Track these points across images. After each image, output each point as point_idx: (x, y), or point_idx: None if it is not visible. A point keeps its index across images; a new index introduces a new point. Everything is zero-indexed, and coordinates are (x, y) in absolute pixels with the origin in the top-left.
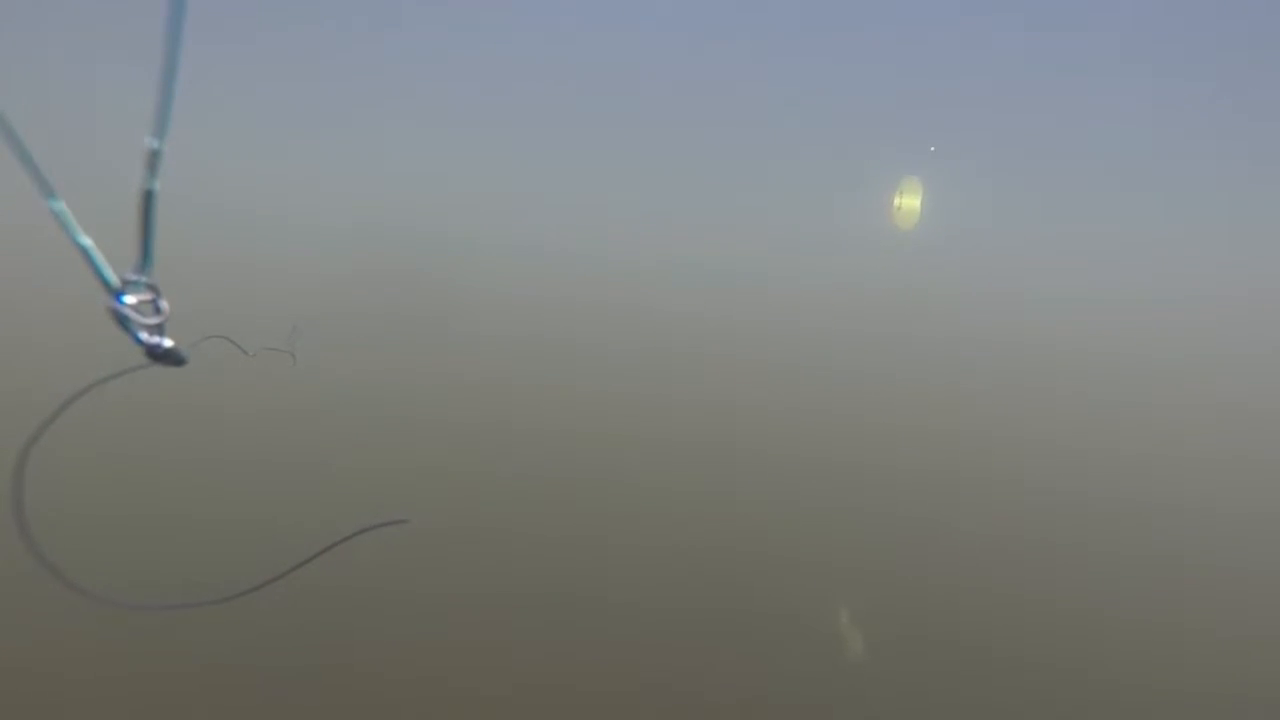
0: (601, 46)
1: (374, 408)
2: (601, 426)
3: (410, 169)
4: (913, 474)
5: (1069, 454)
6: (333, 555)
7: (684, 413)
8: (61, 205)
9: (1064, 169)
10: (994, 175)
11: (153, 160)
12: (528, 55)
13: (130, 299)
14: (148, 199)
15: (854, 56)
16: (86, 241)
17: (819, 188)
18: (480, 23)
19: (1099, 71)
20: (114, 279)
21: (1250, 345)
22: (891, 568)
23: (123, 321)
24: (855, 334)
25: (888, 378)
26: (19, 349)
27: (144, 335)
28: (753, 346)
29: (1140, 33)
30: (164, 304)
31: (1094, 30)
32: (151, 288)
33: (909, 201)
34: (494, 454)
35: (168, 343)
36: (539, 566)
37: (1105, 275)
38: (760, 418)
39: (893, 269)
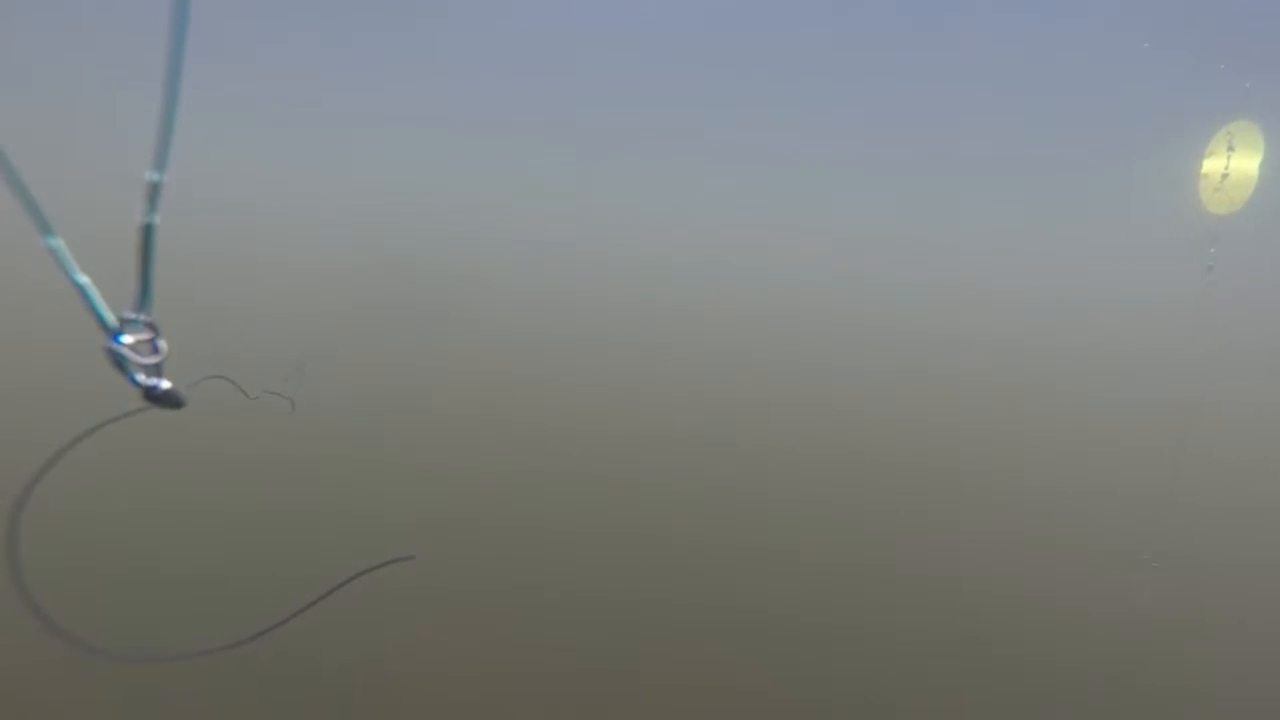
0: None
1: (381, 418)
2: (632, 427)
3: (414, 169)
4: (923, 471)
5: (1072, 452)
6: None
7: (702, 412)
8: (59, 242)
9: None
10: (992, 172)
11: (152, 194)
12: (553, 48)
13: (128, 338)
14: (147, 234)
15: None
16: (84, 279)
17: (814, 184)
18: (484, 18)
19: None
20: (111, 318)
21: (1251, 344)
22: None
23: (119, 362)
24: (862, 332)
25: (897, 376)
26: (12, 391)
27: (141, 377)
28: (765, 346)
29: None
30: (162, 343)
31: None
32: (150, 326)
33: (1242, 164)
34: (502, 456)
35: (165, 384)
36: (557, 567)
37: (1106, 273)
38: (764, 415)
39: (899, 266)
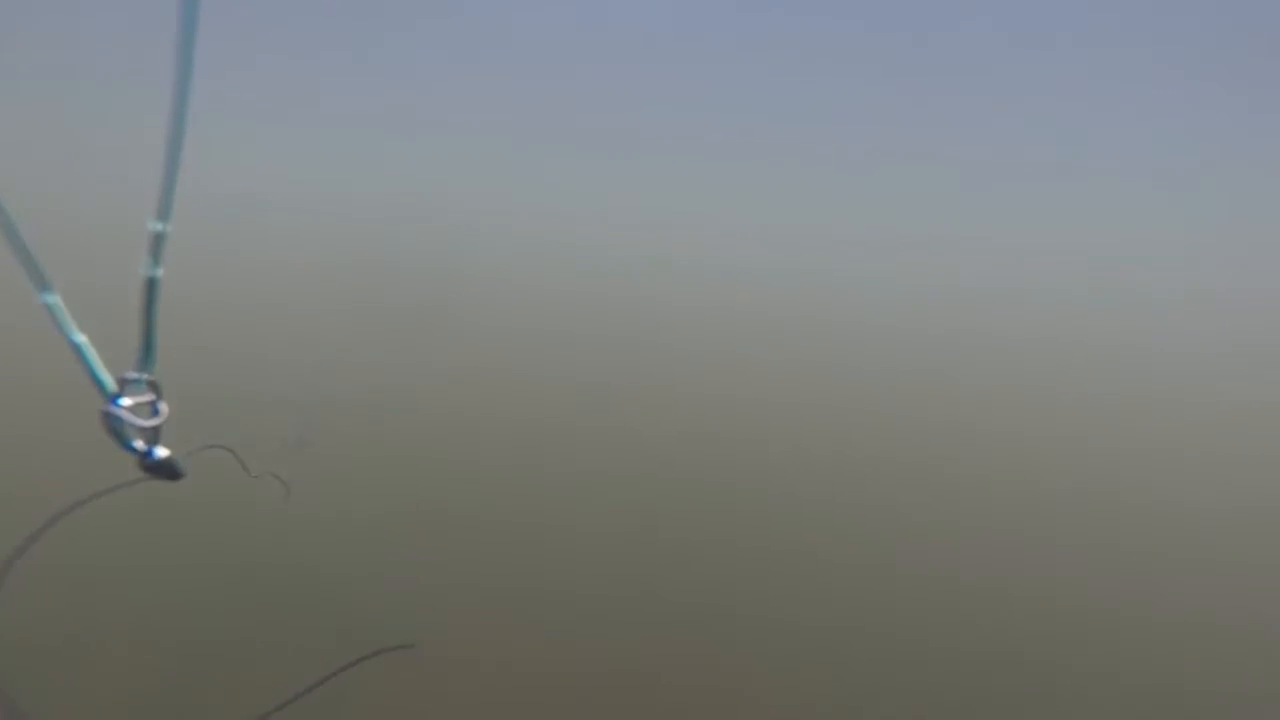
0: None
1: (380, 419)
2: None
3: (421, 170)
4: (915, 470)
5: (1069, 452)
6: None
7: (702, 411)
8: (55, 299)
9: (1065, 166)
10: (991, 173)
11: (156, 245)
12: (552, 53)
13: (127, 401)
14: (150, 288)
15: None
16: (80, 338)
17: (815, 183)
18: (493, 20)
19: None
20: (109, 380)
21: (1250, 344)
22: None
23: (115, 426)
24: (854, 330)
25: (888, 374)
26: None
27: (138, 443)
28: (762, 343)
29: (1145, 27)
30: (163, 406)
31: (1098, 25)
32: (153, 386)
33: None
34: (502, 456)
35: (163, 452)
36: (560, 564)
37: (1105, 273)
38: (770, 412)
39: (894, 266)
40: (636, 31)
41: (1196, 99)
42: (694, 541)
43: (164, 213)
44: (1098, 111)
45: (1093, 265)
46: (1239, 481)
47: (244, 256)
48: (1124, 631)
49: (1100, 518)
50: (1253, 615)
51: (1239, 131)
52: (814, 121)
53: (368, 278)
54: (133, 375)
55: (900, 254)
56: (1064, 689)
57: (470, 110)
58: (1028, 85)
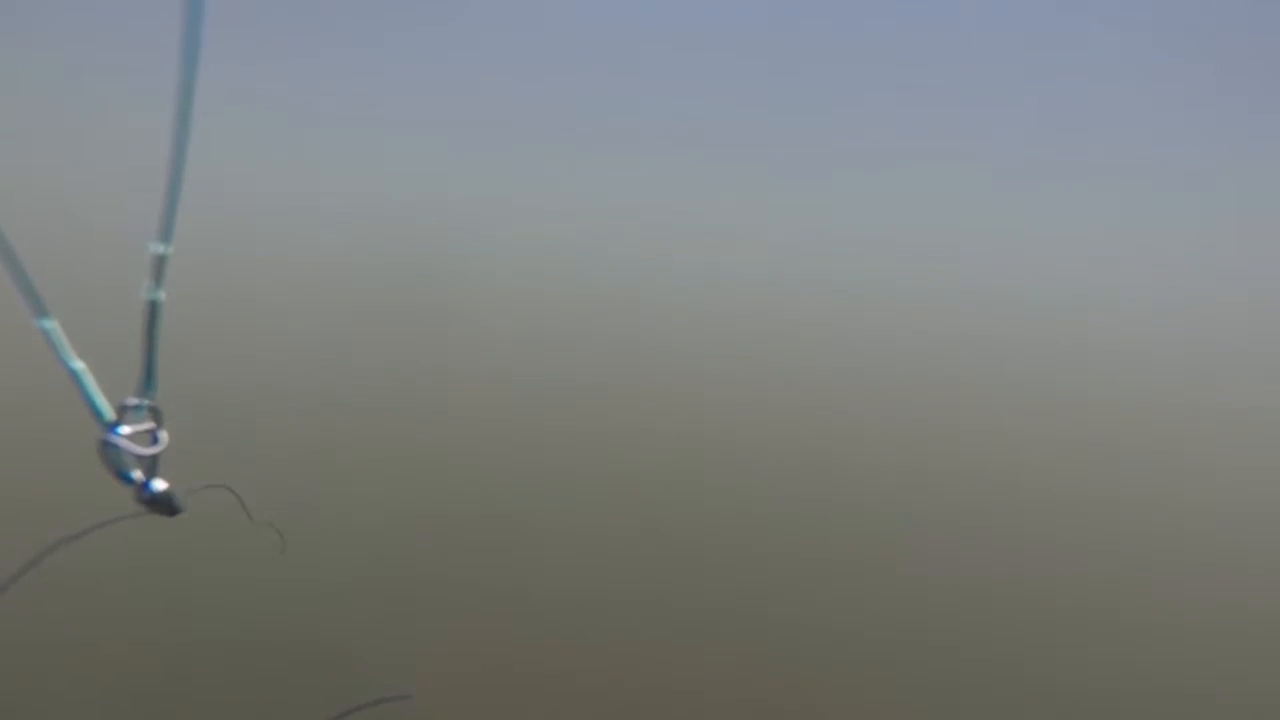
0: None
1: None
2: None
3: (423, 169)
4: (910, 473)
5: (1068, 452)
6: None
7: (705, 412)
8: (53, 324)
9: (1064, 165)
10: (991, 172)
11: (158, 267)
12: (553, 52)
13: (126, 429)
14: (152, 311)
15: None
16: (78, 365)
17: (815, 183)
18: (494, 20)
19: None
20: (108, 409)
21: (1250, 344)
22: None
23: (112, 456)
24: (854, 332)
25: (886, 376)
26: None
27: (136, 474)
28: (765, 345)
29: (1142, 25)
30: (163, 434)
31: (1096, 22)
32: (153, 412)
33: None
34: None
35: (161, 484)
36: (554, 566)
37: (1105, 273)
38: (764, 415)
39: (891, 266)
40: (638, 31)
41: (1199, 97)
42: (716, 568)
43: (166, 234)
44: (1099, 111)
45: (1094, 266)
46: (1241, 483)
47: (246, 260)
48: (1126, 635)
49: (1113, 524)
50: (1256, 618)
51: (1242, 131)
52: (815, 122)
53: (373, 281)
54: (133, 401)
55: (900, 255)
56: (1080, 696)
57: (470, 110)
58: (1028, 84)
